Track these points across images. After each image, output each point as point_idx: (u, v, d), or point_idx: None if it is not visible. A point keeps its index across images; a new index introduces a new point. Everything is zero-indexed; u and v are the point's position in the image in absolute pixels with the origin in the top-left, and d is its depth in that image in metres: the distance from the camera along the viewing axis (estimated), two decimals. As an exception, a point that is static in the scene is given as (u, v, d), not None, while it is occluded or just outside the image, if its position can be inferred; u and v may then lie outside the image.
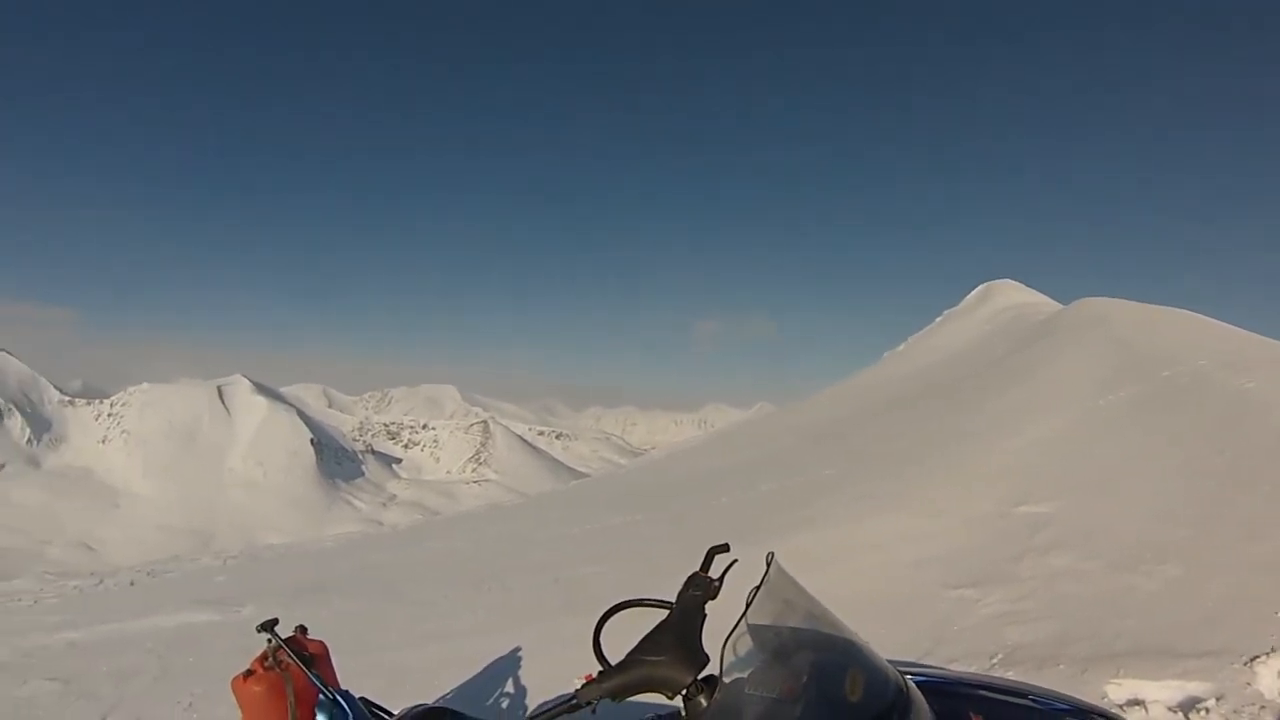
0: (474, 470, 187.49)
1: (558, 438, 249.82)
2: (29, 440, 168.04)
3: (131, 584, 13.91)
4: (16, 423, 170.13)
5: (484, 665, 5.86)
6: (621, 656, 1.85)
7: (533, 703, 5.05)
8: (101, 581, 14.61)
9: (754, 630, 1.77)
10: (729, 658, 1.71)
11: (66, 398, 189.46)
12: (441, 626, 7.76)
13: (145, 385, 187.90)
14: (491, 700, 5.29)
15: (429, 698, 5.12)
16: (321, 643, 3.38)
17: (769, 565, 1.85)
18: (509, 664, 5.80)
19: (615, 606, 2.26)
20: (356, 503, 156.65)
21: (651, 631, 1.84)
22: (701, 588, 1.97)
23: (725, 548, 2.16)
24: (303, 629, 3.41)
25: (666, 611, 1.97)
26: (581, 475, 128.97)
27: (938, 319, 35.47)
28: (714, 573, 2.06)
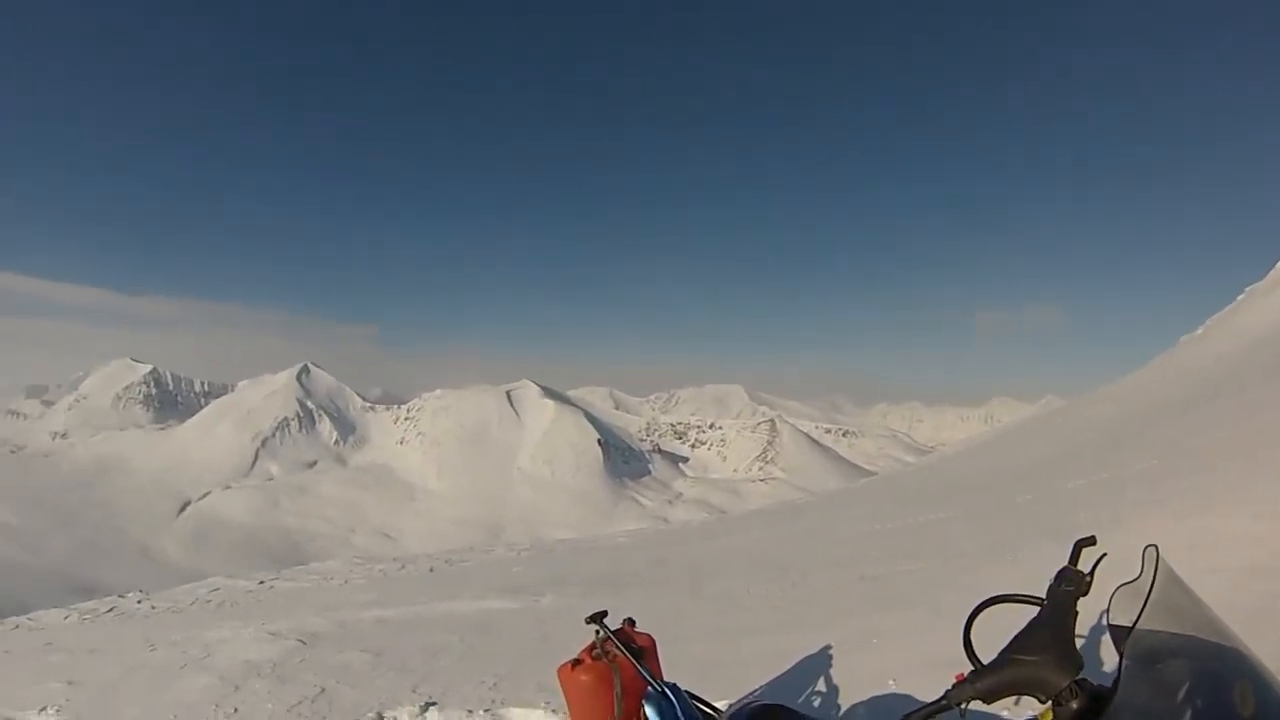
0: (761, 469, 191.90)
1: (844, 435, 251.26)
2: (336, 441, 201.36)
3: (431, 570, 15.70)
4: (326, 426, 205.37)
5: (794, 662, 5.93)
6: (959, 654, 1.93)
7: (846, 702, 5.05)
8: (404, 567, 16.65)
9: (1119, 631, 1.73)
10: (1099, 659, 1.71)
11: (368, 404, 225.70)
12: (746, 621, 7.95)
13: (439, 392, 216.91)
14: (803, 697, 5.33)
15: (738, 693, 5.30)
16: (649, 636, 3.66)
17: (1155, 563, 1.77)
18: (820, 661, 5.83)
19: (986, 602, 2.23)
20: (642, 500, 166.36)
21: (1025, 629, 1.82)
22: (1074, 583, 1.93)
23: (1092, 540, 2.13)
24: (631, 621, 3.73)
25: (1037, 608, 1.96)
26: (868, 473, 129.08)
27: (1239, 297, 33.15)
28: (1083, 567, 2.02)
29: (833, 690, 5.26)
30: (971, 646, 2.11)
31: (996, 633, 1.88)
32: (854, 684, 5.22)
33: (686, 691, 3.34)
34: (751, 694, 5.35)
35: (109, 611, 14.10)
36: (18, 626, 13.68)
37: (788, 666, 5.85)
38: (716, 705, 3.40)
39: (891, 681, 5.00)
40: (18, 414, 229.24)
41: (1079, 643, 1.79)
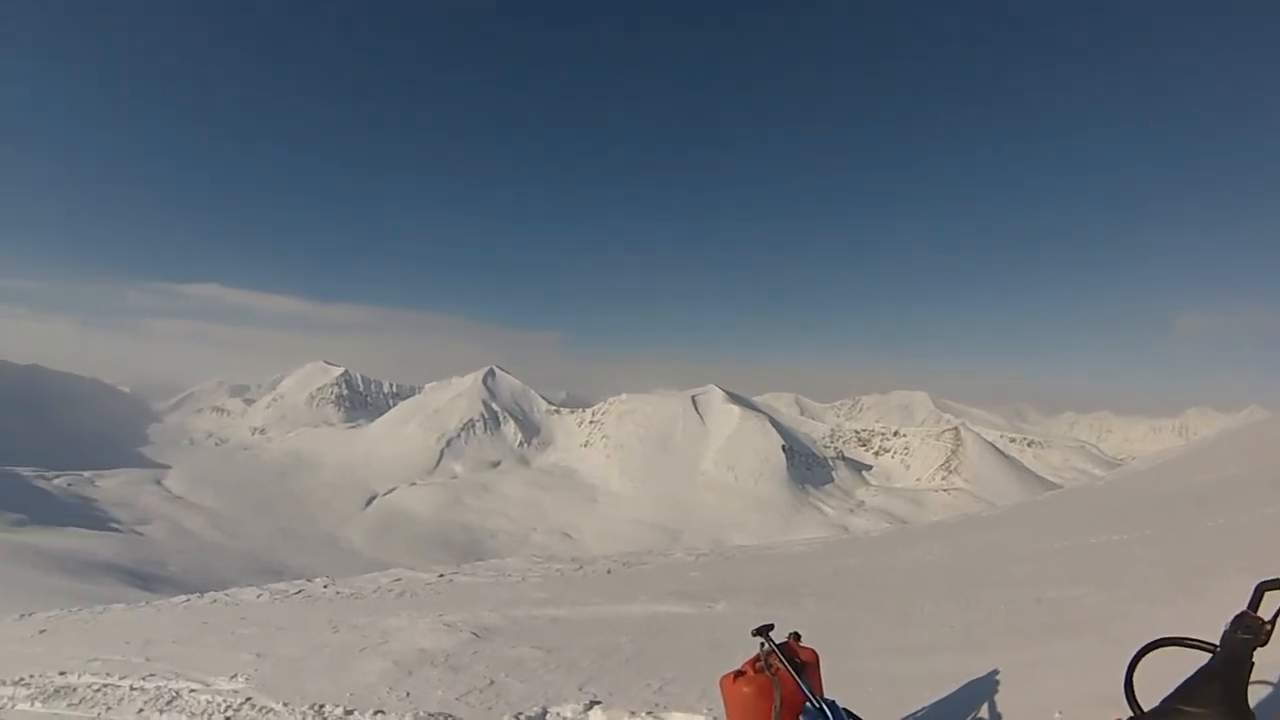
0: (943, 478, 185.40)
1: (1029, 445, 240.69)
2: (520, 443, 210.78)
3: (609, 572, 16.15)
4: (511, 428, 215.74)
5: (959, 685, 5.84)
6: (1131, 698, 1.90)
7: None
8: (581, 567, 17.21)
9: None
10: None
11: (553, 407, 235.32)
12: (916, 639, 7.85)
13: (624, 396, 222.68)
14: None
15: (898, 714, 5.35)
16: (813, 651, 3.89)
17: None
18: (986, 687, 5.73)
19: (1152, 643, 2.18)
20: (824, 508, 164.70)
21: (1194, 677, 1.80)
22: (1252, 631, 1.86)
23: (1277, 584, 2.03)
24: (796, 635, 3.95)
25: (1208, 654, 1.92)
26: (1052, 486, 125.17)
27: None
28: (1264, 613, 1.95)
29: (995, 718, 5.21)
30: (1133, 691, 2.05)
31: (1165, 675, 1.85)
32: (1016, 714, 5.15)
33: (844, 709, 3.53)
34: (911, 716, 5.39)
35: (297, 593, 15.43)
36: (215, 601, 15.26)
37: (952, 690, 5.79)
38: None
39: (1057, 715, 4.89)
40: (222, 410, 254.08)
41: (1252, 698, 1.74)
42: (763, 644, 3.74)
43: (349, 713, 6.71)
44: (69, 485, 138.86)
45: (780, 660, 3.61)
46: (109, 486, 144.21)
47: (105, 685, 8.31)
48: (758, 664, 3.71)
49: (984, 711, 5.34)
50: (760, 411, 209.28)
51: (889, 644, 7.73)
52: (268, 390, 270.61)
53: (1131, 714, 1.85)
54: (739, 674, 3.74)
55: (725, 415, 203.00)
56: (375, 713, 6.66)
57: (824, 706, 3.50)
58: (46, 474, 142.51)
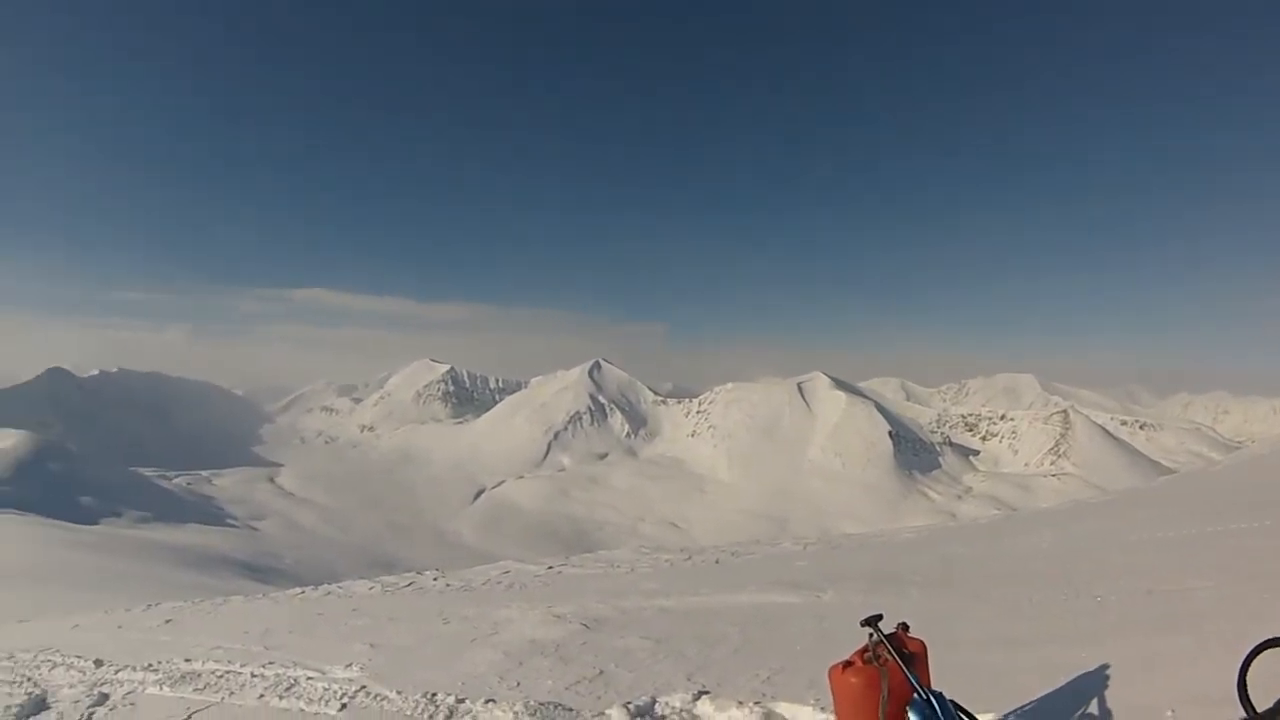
0: (1052, 463, 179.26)
1: (1141, 428, 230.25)
2: (627, 434, 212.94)
3: (717, 562, 16.21)
4: (617, 420, 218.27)
5: (1068, 679, 5.73)
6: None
7: None
8: (690, 558, 17.31)
9: None
10: None
11: (659, 398, 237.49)
12: (1023, 631, 7.70)
13: (730, 385, 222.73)
14: (1071, 719, 5.23)
15: (1007, 706, 5.30)
16: (921, 642, 3.95)
17: None
18: (1095, 682, 5.60)
19: (1266, 642, 2.16)
20: (931, 494, 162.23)
21: None
22: None
23: None
24: (904, 626, 3.98)
25: None
26: (1166, 470, 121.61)
27: None
28: None
29: (1105, 715, 5.09)
30: (1246, 691, 2.02)
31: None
32: (1127, 711, 5.04)
33: (951, 701, 3.58)
34: (1018, 709, 5.33)
35: (408, 585, 15.96)
36: (329, 593, 15.92)
37: (1060, 684, 5.69)
38: (980, 718, 3.60)
39: (1170, 713, 4.77)
40: (331, 410, 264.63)
41: None
42: (871, 634, 3.79)
43: (460, 701, 6.92)
44: (189, 484, 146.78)
45: (888, 651, 3.67)
46: (226, 485, 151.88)
47: (228, 671, 8.79)
48: (866, 655, 3.77)
49: (1094, 707, 5.24)
50: (866, 397, 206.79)
51: (997, 635, 7.61)
52: (375, 389, 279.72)
53: (1244, 715, 1.82)
54: (847, 664, 3.80)
55: (831, 402, 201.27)
56: (486, 701, 6.85)
57: (932, 698, 3.55)
58: (168, 474, 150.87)
